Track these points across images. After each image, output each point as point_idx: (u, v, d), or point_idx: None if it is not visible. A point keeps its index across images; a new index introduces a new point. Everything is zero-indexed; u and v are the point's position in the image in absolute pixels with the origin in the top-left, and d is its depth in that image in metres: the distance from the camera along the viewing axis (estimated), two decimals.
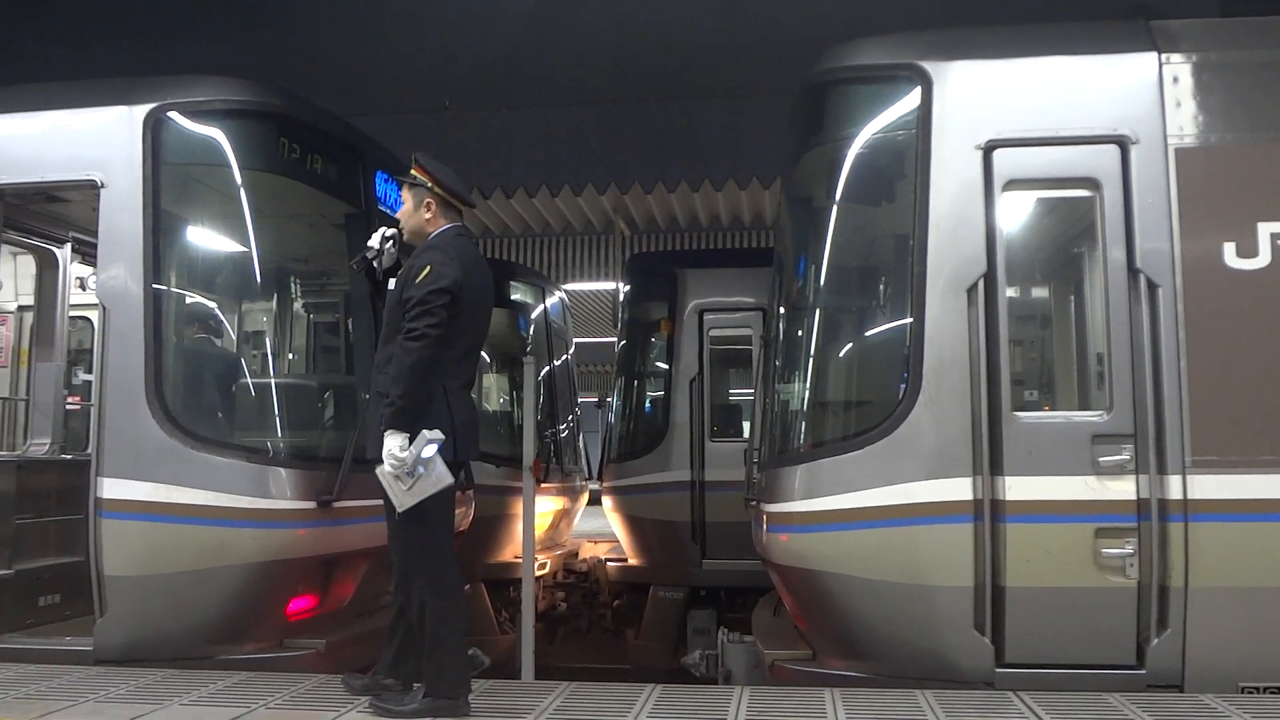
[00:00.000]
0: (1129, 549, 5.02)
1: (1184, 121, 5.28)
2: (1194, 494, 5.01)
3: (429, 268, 4.60)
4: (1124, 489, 5.08)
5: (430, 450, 4.44)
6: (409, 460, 4.41)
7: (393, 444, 4.44)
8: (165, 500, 5.51)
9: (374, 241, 5.10)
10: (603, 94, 10.76)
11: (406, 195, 4.94)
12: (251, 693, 5.00)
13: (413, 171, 4.91)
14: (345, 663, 5.70)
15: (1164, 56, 5.35)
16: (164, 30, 10.72)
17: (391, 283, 4.98)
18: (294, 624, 5.93)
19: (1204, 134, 5.28)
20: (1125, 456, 5.09)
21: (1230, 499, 4.99)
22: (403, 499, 4.49)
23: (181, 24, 10.77)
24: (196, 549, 5.50)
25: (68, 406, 7.56)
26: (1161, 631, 4.99)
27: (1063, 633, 5.05)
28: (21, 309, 8.30)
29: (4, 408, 8.08)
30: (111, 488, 5.57)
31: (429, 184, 4.85)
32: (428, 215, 4.87)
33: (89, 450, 5.87)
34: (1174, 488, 5.03)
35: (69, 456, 7.15)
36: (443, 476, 4.51)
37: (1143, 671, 5.02)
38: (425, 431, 4.45)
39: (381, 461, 4.51)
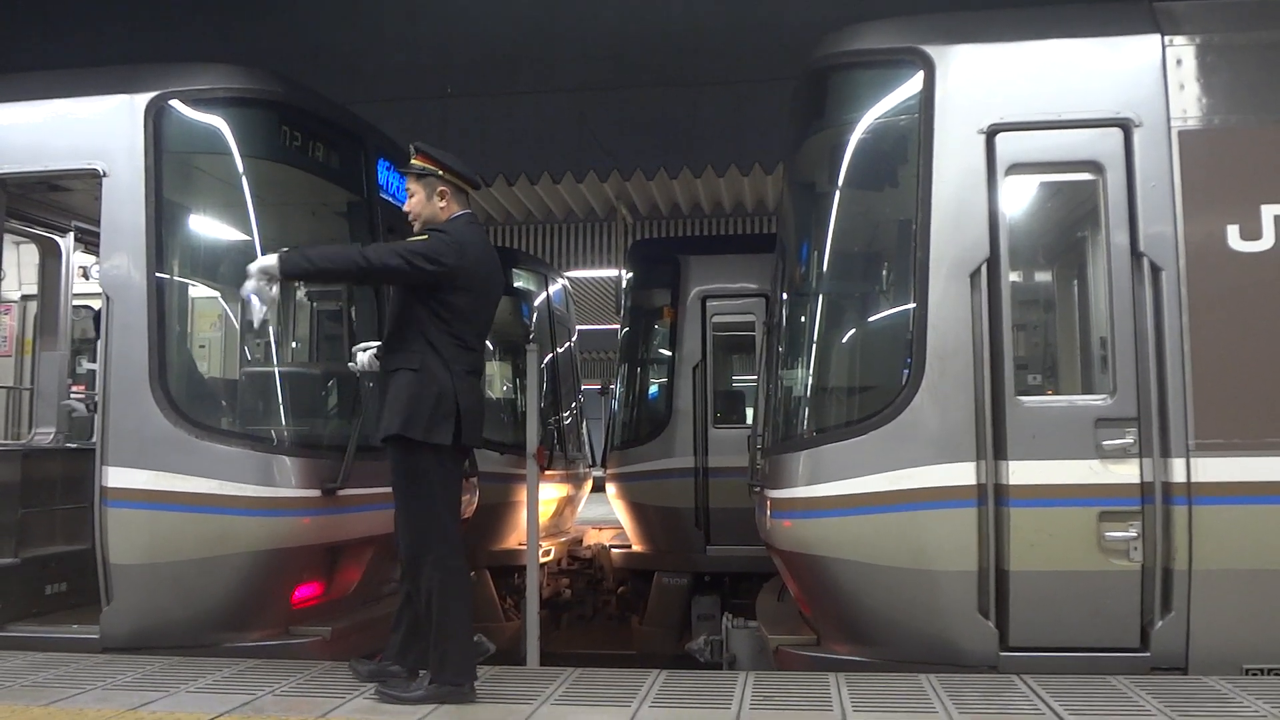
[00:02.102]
0: (1133, 532, 5.02)
1: (1187, 104, 5.26)
2: (1197, 477, 5.01)
3: (428, 237, 4.65)
4: (1127, 472, 5.08)
5: (254, 302, 4.60)
6: (253, 271, 4.57)
7: (270, 266, 4.57)
8: (170, 489, 5.52)
9: (362, 359, 5.18)
10: (604, 80, 10.72)
11: (415, 187, 4.84)
12: (258, 680, 5.02)
13: (416, 161, 4.84)
14: (351, 649, 5.71)
15: (1167, 38, 5.33)
16: (163, 17, 10.69)
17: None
18: (300, 611, 5.95)
19: (1208, 116, 5.26)
20: (1129, 440, 5.09)
21: (1234, 482, 4.99)
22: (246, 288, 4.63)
23: (182, 11, 10.74)
24: (201, 537, 5.52)
25: (73, 398, 7.58)
26: (1165, 614, 5.00)
27: (1067, 616, 5.06)
28: (25, 298, 8.32)
29: (9, 397, 8.09)
30: (116, 476, 5.58)
31: (438, 171, 4.81)
32: (442, 204, 4.82)
33: (93, 439, 5.88)
34: (1178, 471, 5.03)
35: (73, 445, 7.17)
36: (254, 314, 4.66)
37: (1147, 654, 5.03)
38: (271, 298, 4.62)
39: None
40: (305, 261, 4.66)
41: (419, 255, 4.56)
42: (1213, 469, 5.01)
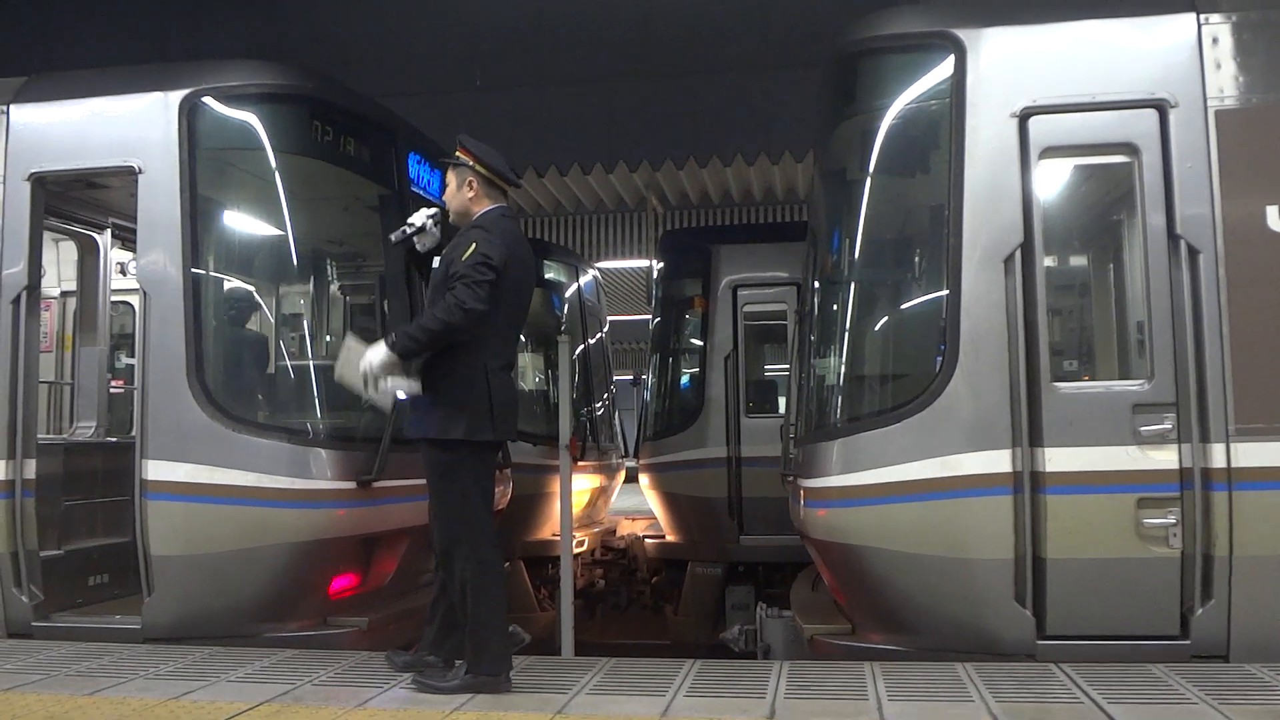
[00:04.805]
0: (1172, 519, 4.96)
1: (1224, 83, 5.18)
2: (1238, 462, 4.93)
3: (474, 244, 4.63)
4: (1166, 458, 5.02)
5: (400, 395, 4.62)
6: (373, 374, 4.55)
7: (383, 356, 4.55)
8: (208, 481, 5.59)
9: (417, 219, 5.11)
10: (633, 70, 10.71)
11: (450, 176, 4.96)
12: (297, 670, 5.08)
13: (456, 153, 4.93)
14: (388, 640, 5.77)
15: (1203, 17, 5.24)
16: (193, 14, 10.79)
17: (435, 261, 5.00)
18: (337, 602, 6.00)
19: (1245, 95, 5.17)
20: (1167, 425, 5.03)
21: (1276, 466, 4.91)
22: (346, 378, 4.67)
23: (212, 7, 10.83)
24: (239, 529, 5.58)
25: (111, 390, 7.68)
26: (1206, 602, 4.94)
27: (1105, 604, 5.01)
28: (64, 294, 8.43)
29: (50, 392, 8.22)
30: (155, 469, 5.66)
31: (470, 163, 4.87)
32: (470, 194, 4.88)
33: (133, 433, 5.96)
34: (1217, 456, 4.95)
35: (114, 439, 7.27)
36: (386, 405, 4.74)
37: (1187, 642, 4.97)
38: (408, 382, 4.59)
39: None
40: (411, 341, 4.57)
41: (480, 266, 4.56)
42: (1254, 453, 4.93)
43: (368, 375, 4.57)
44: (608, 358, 13.02)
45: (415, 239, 5.13)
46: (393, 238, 5.27)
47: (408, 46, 10.73)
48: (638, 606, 11.25)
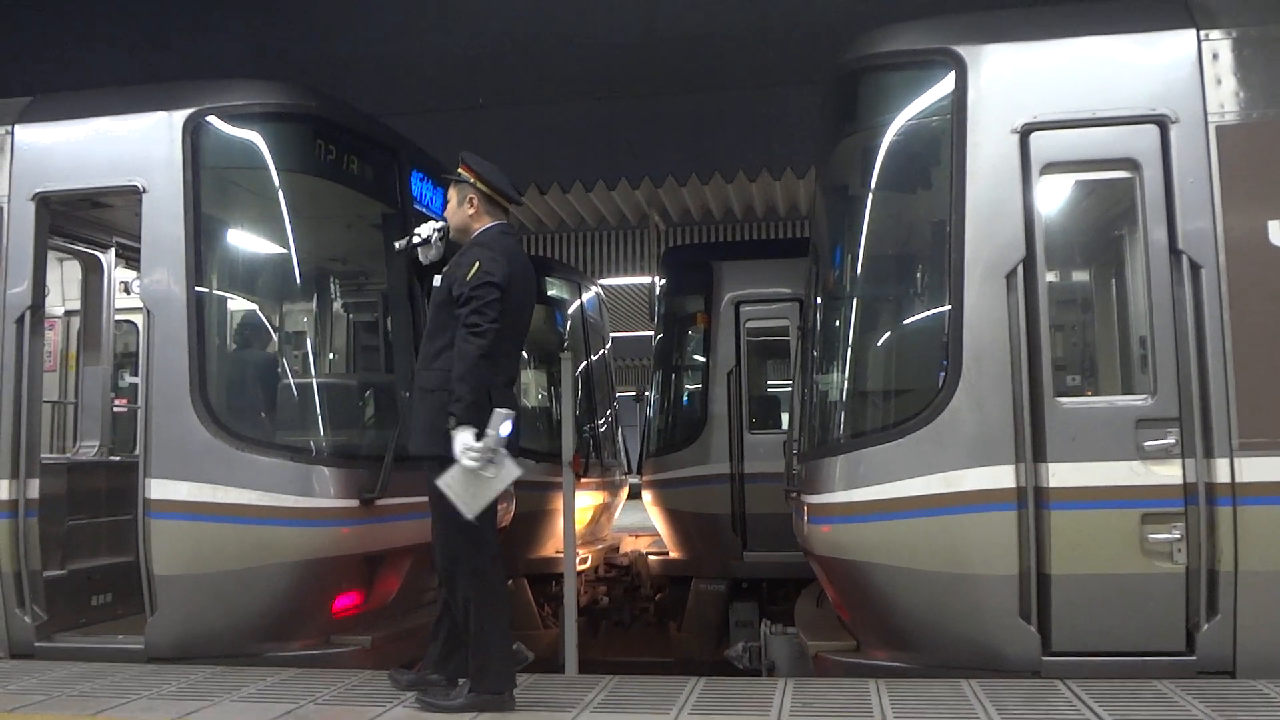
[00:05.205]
0: (1176, 534, 4.95)
1: (1225, 98, 5.20)
2: (1242, 477, 4.93)
3: (477, 264, 4.63)
4: (1170, 473, 5.01)
5: (507, 427, 4.47)
6: (489, 444, 4.40)
7: (466, 438, 4.41)
8: (211, 500, 5.59)
9: (424, 230, 5.11)
10: (634, 87, 10.74)
11: (452, 193, 4.99)
12: (300, 689, 5.07)
13: (459, 169, 4.96)
14: (391, 658, 5.75)
15: (1203, 33, 5.26)
16: (195, 31, 10.83)
17: (436, 279, 5.02)
18: (340, 621, 6.00)
19: (1245, 110, 5.19)
20: (1171, 440, 5.02)
21: None
22: (478, 498, 4.47)
23: (214, 25, 10.87)
24: (242, 548, 5.58)
25: (114, 409, 7.69)
26: (1211, 617, 4.92)
27: (1110, 620, 5.00)
28: (68, 313, 8.45)
29: (54, 411, 8.23)
30: (159, 488, 5.66)
31: (472, 180, 4.89)
32: (471, 211, 4.90)
33: (136, 452, 5.96)
34: (1221, 471, 4.95)
35: (117, 458, 7.27)
36: (513, 467, 4.54)
37: (1193, 658, 4.95)
38: (497, 410, 4.47)
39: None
40: (462, 401, 4.45)
41: (483, 287, 4.56)
42: (1258, 469, 4.93)
43: (478, 461, 4.40)
44: (610, 374, 13.03)
45: (420, 250, 5.13)
46: (397, 245, 5.27)
47: (410, 64, 10.77)
48: (641, 624, 11.21)
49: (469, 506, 4.48)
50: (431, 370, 4.73)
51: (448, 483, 4.48)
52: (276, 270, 6.48)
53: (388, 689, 5.02)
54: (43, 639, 5.97)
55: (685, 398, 11.08)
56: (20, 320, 6.02)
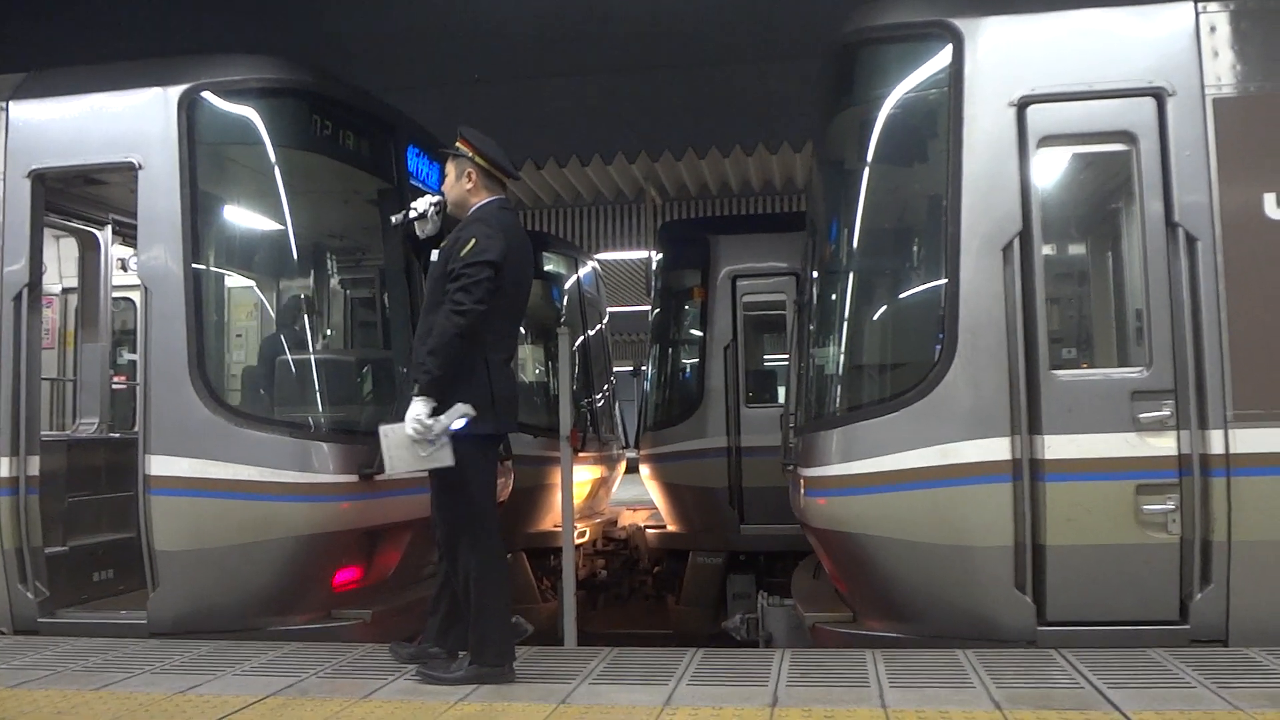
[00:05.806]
0: (1171, 505, 4.99)
1: (1222, 71, 5.19)
2: (1236, 448, 4.96)
3: (474, 240, 4.61)
4: (1165, 445, 5.05)
5: (460, 423, 4.45)
6: (436, 429, 4.42)
7: (421, 409, 4.43)
8: (210, 476, 5.61)
9: (420, 205, 5.07)
10: (631, 62, 10.70)
11: (449, 167, 4.96)
12: (302, 662, 5.10)
13: (456, 144, 4.93)
14: (392, 632, 5.79)
15: (1200, 5, 5.24)
16: (192, 8, 10.76)
17: (434, 254, 5.01)
18: (341, 595, 6.03)
19: (1242, 83, 5.18)
20: (1166, 412, 5.05)
21: (1274, 452, 4.94)
22: (402, 463, 4.51)
23: (213, 5, 10.81)
24: (242, 523, 5.60)
25: (113, 386, 7.70)
26: (1205, 587, 4.97)
27: (1105, 590, 5.05)
28: (66, 291, 8.45)
29: (53, 388, 8.24)
30: (159, 465, 5.68)
31: (470, 154, 4.87)
32: (468, 186, 4.88)
33: (136, 429, 5.98)
34: (1216, 442, 4.98)
35: (117, 435, 7.29)
36: (447, 457, 4.48)
37: (1186, 627, 5.01)
38: (460, 404, 4.46)
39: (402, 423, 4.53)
40: (428, 372, 4.46)
41: (476, 265, 4.53)
42: (1252, 440, 4.96)
43: (419, 438, 4.42)
44: (607, 349, 13.03)
45: (416, 224, 5.11)
46: (394, 219, 5.25)
47: (407, 40, 10.72)
48: (639, 596, 11.29)
49: (390, 464, 4.55)
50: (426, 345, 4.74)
51: (385, 432, 4.53)
52: (273, 246, 6.47)
53: (389, 662, 5.06)
54: (45, 615, 6.00)
55: (682, 372, 11.09)
56: (18, 298, 6.01)
